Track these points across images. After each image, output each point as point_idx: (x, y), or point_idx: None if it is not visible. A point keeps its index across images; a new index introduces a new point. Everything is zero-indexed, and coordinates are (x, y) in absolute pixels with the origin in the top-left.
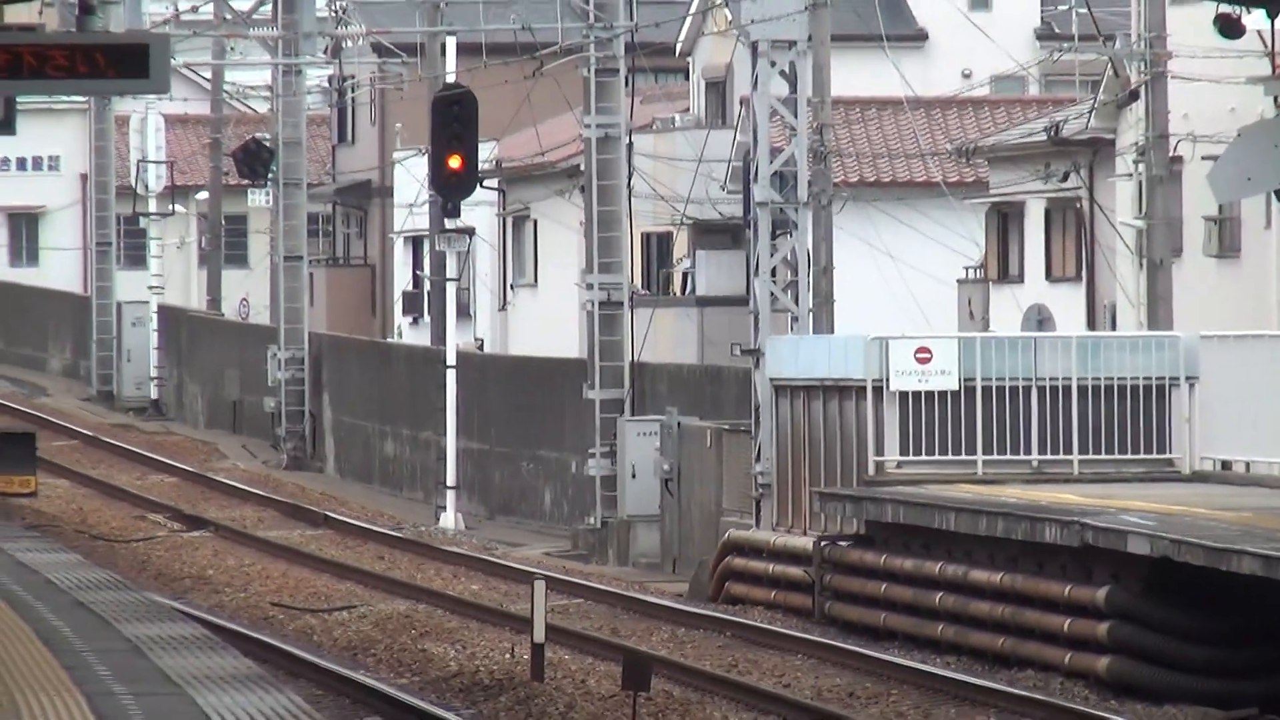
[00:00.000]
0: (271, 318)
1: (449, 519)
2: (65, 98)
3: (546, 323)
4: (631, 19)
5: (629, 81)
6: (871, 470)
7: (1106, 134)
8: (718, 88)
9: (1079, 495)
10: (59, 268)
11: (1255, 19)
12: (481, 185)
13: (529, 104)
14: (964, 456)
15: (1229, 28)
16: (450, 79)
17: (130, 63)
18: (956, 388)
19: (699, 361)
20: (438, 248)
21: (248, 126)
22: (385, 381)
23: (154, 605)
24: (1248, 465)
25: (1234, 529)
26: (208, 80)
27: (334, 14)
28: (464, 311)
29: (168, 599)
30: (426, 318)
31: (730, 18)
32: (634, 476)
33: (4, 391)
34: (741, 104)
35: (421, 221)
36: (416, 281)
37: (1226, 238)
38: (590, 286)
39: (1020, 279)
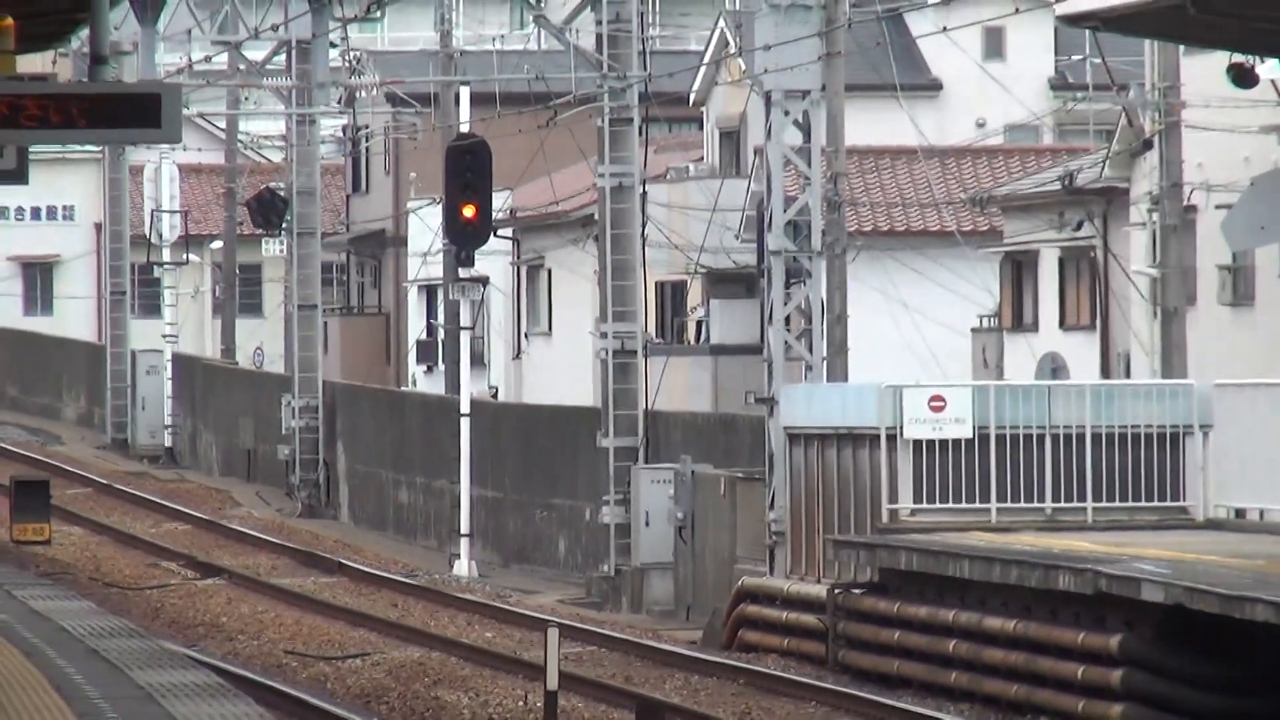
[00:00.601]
0: (286, 366)
1: (463, 566)
2: (79, 147)
3: (561, 371)
4: (645, 69)
5: (643, 131)
6: (885, 518)
7: (1120, 183)
8: (732, 137)
9: (1093, 543)
10: (74, 317)
11: (1269, 68)
12: (495, 234)
13: (543, 153)
14: (978, 504)
15: (1242, 77)
16: (464, 128)
17: (142, 112)
18: (970, 436)
19: (713, 410)
20: (452, 296)
21: (262, 176)
22: (399, 430)
23: (167, 652)
24: (1261, 513)
25: (1247, 576)
26: (222, 130)
27: (348, 64)
28: (478, 360)
29: (181, 646)
30: (441, 366)
31: (744, 67)
32: (648, 524)
33: (19, 440)
34: (755, 153)
35: (435, 270)
36: (430, 330)
37: (1241, 286)
38: (604, 335)
39: (1034, 327)
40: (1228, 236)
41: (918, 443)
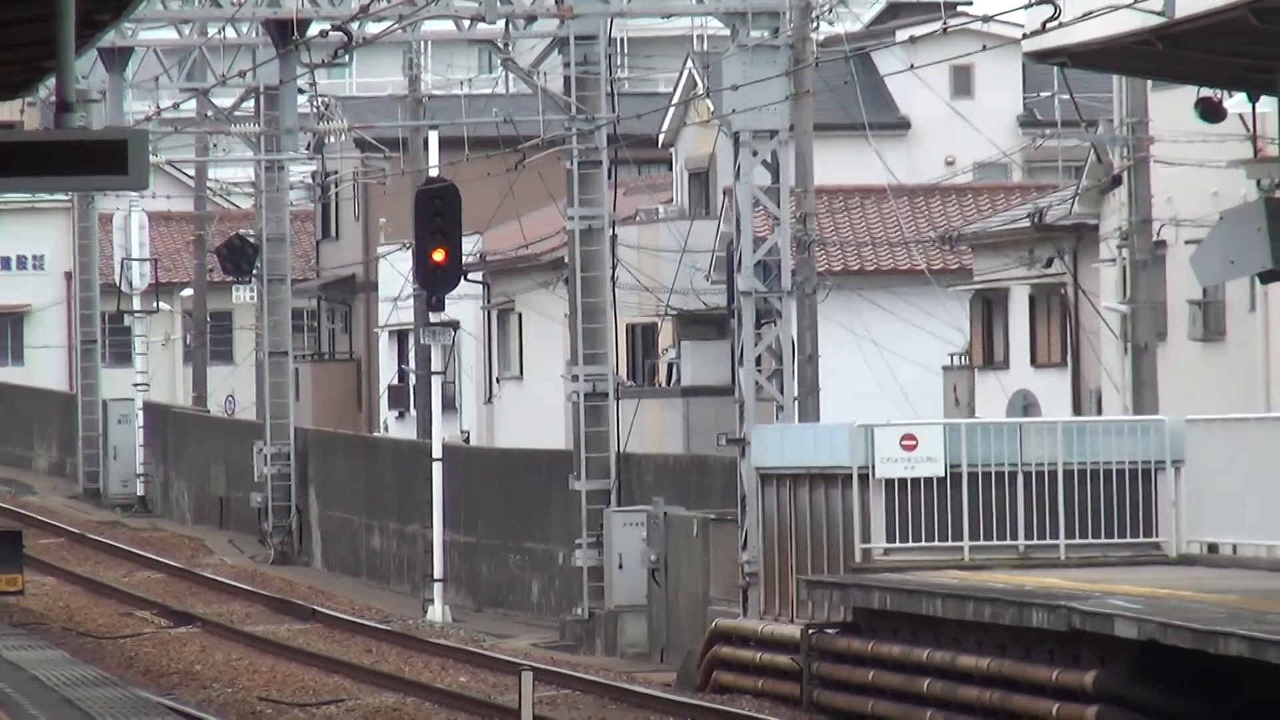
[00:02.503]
0: (257, 413)
1: (436, 611)
2: (48, 196)
3: (532, 414)
4: (613, 111)
5: (611, 173)
6: (858, 557)
7: (1090, 219)
8: (701, 178)
9: (1066, 579)
10: (44, 366)
11: (1236, 102)
12: (465, 278)
13: (512, 197)
14: (951, 543)
15: (1210, 112)
16: (433, 173)
17: (109, 158)
18: (942, 474)
19: (685, 451)
20: (422, 341)
21: (231, 223)
22: (372, 475)
23: (142, 701)
24: (1234, 548)
25: (1221, 611)
26: (191, 177)
27: (316, 110)
28: (449, 404)
29: (155, 695)
30: (412, 411)
31: (712, 108)
32: (621, 567)
33: None
34: (725, 194)
35: (406, 315)
36: (402, 375)
37: (1211, 321)
38: (575, 378)
39: (1005, 365)
40: (1197, 272)
41: (890, 482)
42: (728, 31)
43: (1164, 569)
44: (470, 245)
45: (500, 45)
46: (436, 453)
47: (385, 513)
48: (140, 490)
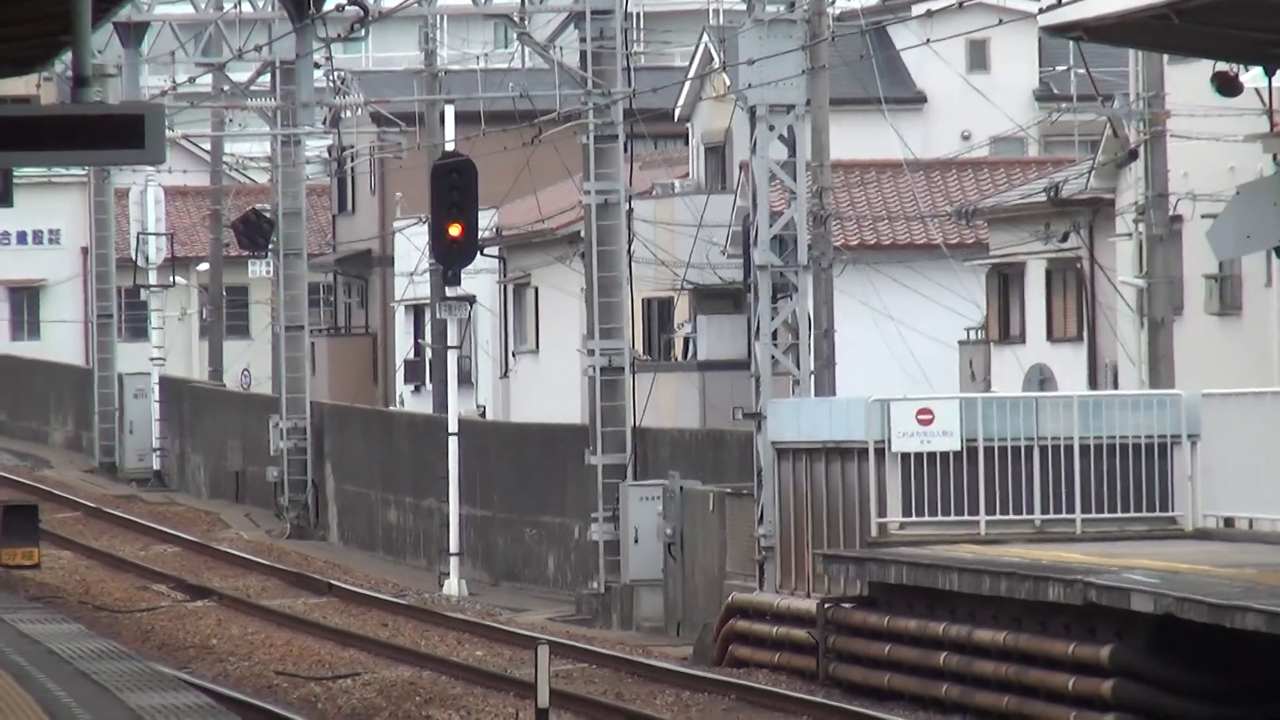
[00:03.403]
0: (273, 388)
1: (452, 585)
2: (65, 171)
3: (548, 389)
4: (629, 85)
5: (628, 147)
6: (874, 532)
7: (1106, 194)
8: (717, 152)
9: (1082, 554)
10: (60, 341)
11: (1253, 76)
12: (482, 253)
13: (528, 171)
14: (966, 517)
15: (1227, 86)
16: (449, 147)
17: (125, 133)
18: (959, 448)
19: (701, 426)
20: (439, 316)
21: (247, 197)
22: (388, 450)
23: (157, 674)
24: (1251, 522)
25: (1237, 586)
26: (207, 152)
27: (332, 84)
28: (465, 379)
29: (171, 668)
30: (428, 386)
31: (728, 83)
32: (637, 541)
33: (7, 464)
34: (741, 168)
35: (422, 290)
36: (418, 350)
37: (1227, 295)
38: (591, 352)
39: (1021, 339)
40: (1214, 246)
41: (906, 456)
42: (744, 6)
43: (1180, 543)
44: (486, 220)
45: (516, 19)
46: (452, 427)
47: (401, 487)
48: (156, 464)
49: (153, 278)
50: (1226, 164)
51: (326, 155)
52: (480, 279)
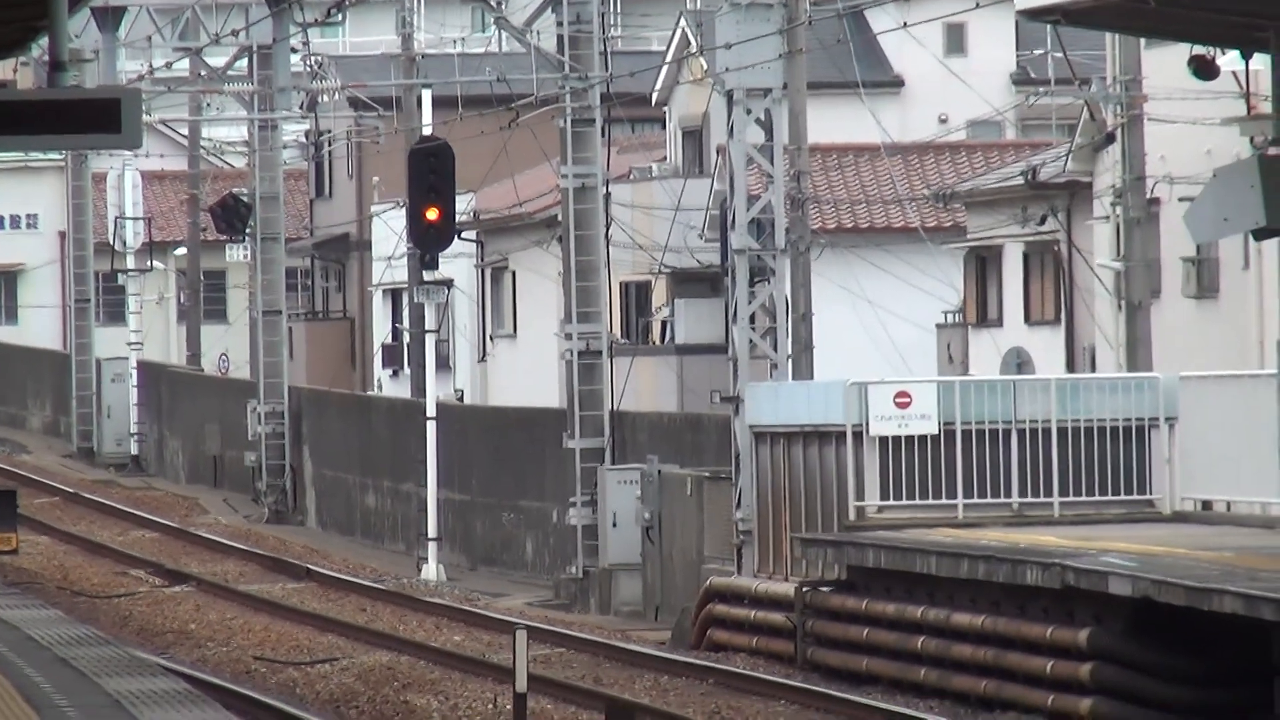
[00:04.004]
0: (251, 372)
1: (431, 570)
2: (42, 155)
3: (526, 373)
4: (606, 69)
5: (605, 131)
6: (852, 515)
7: (1083, 177)
8: (694, 136)
9: (1060, 537)
10: (38, 325)
11: (1230, 60)
12: (459, 237)
13: (506, 155)
14: (944, 500)
15: (1204, 69)
16: (426, 132)
17: (102, 117)
18: (936, 432)
19: (679, 409)
20: (416, 300)
21: (225, 182)
22: (366, 434)
23: (136, 660)
24: (1228, 505)
25: (1215, 568)
26: (185, 136)
27: (309, 69)
28: (443, 363)
29: (150, 654)
30: (406, 370)
31: (705, 66)
32: (615, 525)
33: None
34: (718, 152)
35: (400, 274)
36: (396, 334)
37: (1205, 278)
38: (569, 336)
39: (999, 322)
40: (1191, 229)
41: (884, 439)
42: None
43: (1158, 526)
44: (464, 204)
45: (493, 3)
46: (431, 411)
47: (379, 471)
48: (134, 449)
49: (130, 262)
50: (1204, 147)
51: (304, 140)
52: (458, 263)
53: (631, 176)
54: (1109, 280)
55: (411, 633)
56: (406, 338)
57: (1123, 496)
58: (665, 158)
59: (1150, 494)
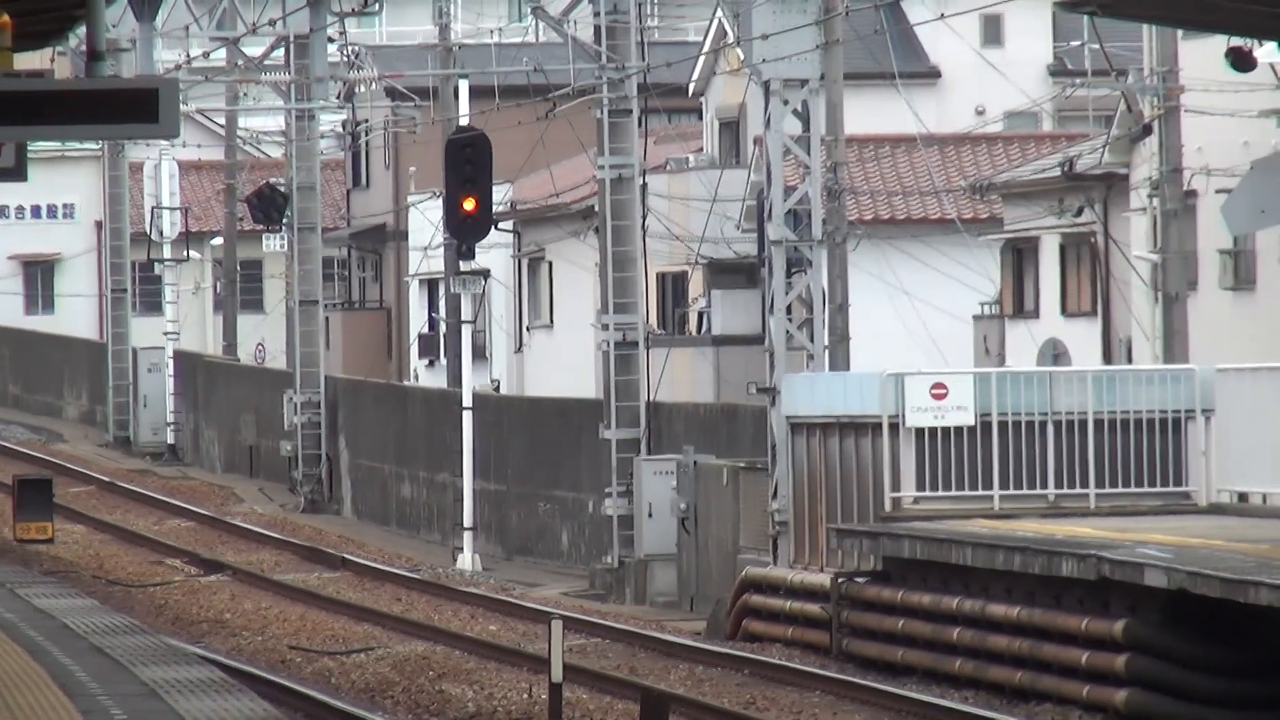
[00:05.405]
0: (287, 362)
1: (466, 560)
2: (79, 145)
3: (562, 364)
4: (643, 60)
5: (642, 122)
6: (888, 506)
7: (1120, 169)
8: (731, 127)
9: (1096, 529)
10: (75, 315)
11: (1267, 51)
12: (496, 227)
13: (542, 146)
14: (980, 491)
15: (1241, 61)
16: (463, 122)
17: (140, 107)
18: (973, 423)
19: (715, 400)
20: (453, 290)
21: (262, 172)
22: (402, 424)
23: (170, 649)
24: (1265, 497)
25: (1251, 560)
26: (221, 126)
27: (346, 59)
28: (480, 353)
29: (185, 643)
30: (442, 360)
31: (742, 57)
32: (651, 516)
33: (22, 439)
34: (755, 143)
35: (436, 264)
36: (432, 324)
37: (1242, 270)
38: (606, 327)
39: (1036, 314)
40: (1228, 221)
41: (920, 431)
42: None
43: (1194, 518)
44: (500, 194)
45: None
46: (467, 401)
47: (415, 461)
48: (170, 439)
49: (167, 252)
50: (1241, 139)
51: (340, 130)
52: (494, 253)
53: (668, 167)
54: (1145, 272)
55: (447, 622)
56: (443, 328)
57: (1159, 488)
58: (702, 149)
59: (1186, 486)
